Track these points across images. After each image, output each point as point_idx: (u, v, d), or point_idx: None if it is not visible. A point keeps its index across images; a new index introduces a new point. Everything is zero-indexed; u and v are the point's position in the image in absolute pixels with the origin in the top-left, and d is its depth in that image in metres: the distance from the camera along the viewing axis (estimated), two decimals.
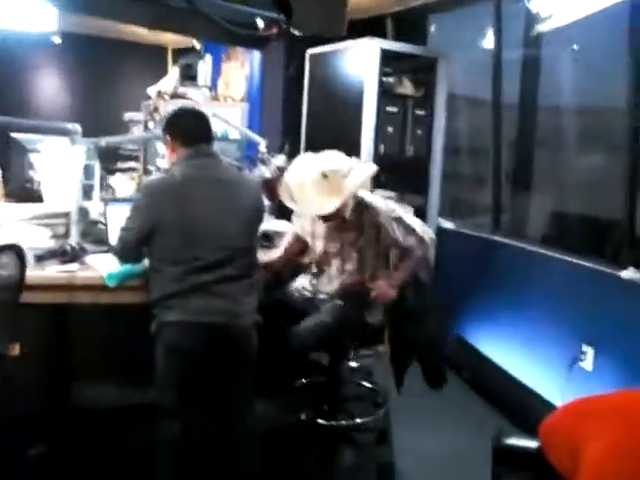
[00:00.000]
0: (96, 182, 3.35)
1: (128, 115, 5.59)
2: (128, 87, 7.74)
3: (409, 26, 5.30)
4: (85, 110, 7.33)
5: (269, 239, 3.28)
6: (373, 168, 2.87)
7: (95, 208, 3.21)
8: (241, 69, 6.27)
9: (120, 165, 5.48)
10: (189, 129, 2.54)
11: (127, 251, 2.52)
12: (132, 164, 5.43)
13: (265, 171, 3.11)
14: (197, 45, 6.27)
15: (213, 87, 6.38)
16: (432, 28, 5.51)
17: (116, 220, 2.86)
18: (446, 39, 5.39)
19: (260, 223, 2.64)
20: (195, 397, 2.43)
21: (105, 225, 2.96)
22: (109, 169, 5.37)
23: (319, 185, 2.69)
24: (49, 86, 7.92)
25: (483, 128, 4.82)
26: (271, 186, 3.13)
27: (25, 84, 7.59)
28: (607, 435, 1.72)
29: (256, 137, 3.64)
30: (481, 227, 4.75)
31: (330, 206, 2.69)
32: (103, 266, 2.62)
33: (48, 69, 7.84)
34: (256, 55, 5.94)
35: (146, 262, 2.51)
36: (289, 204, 2.75)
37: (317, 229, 2.98)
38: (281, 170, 3.48)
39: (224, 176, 2.55)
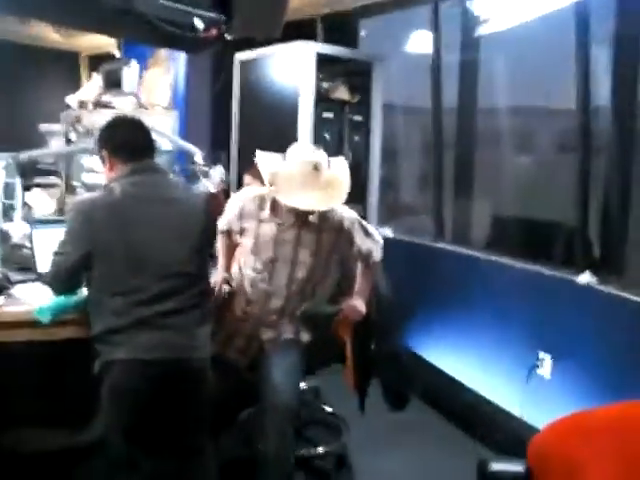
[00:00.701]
0: (17, 201, 3.01)
1: (44, 126, 5.18)
2: (39, 96, 7.24)
3: (340, 29, 5.16)
4: None
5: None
6: (344, 161, 2.65)
7: (17, 230, 2.89)
8: (165, 76, 5.95)
9: (38, 180, 5.08)
10: (129, 142, 2.26)
11: (60, 280, 2.22)
12: (52, 179, 5.03)
13: (209, 185, 2.85)
14: (116, 52, 5.93)
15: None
16: (363, 32, 5.40)
17: (43, 244, 2.57)
18: (377, 43, 5.29)
19: (212, 246, 2.41)
20: (145, 440, 2.18)
21: (31, 250, 2.65)
22: (25, 185, 4.97)
23: (311, 178, 2.42)
24: None
25: (421, 132, 4.73)
26: (217, 201, 2.88)
27: None
28: (609, 455, 1.61)
29: (191, 148, 3.39)
30: (422, 234, 4.64)
31: (331, 202, 2.45)
32: (33, 298, 2.32)
33: None
34: (181, 61, 5.65)
35: (85, 292, 2.23)
36: (280, 197, 2.42)
37: (263, 232, 2.67)
38: (223, 183, 3.25)
39: (171, 194, 2.29)
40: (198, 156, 3.37)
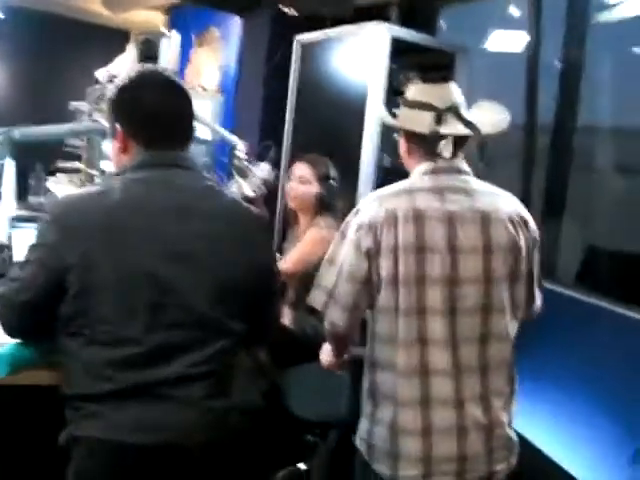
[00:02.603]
0: (5, 189, 2.38)
1: (74, 104, 4.62)
2: (82, 75, 6.72)
3: (417, 16, 4.45)
4: (30, 99, 6.32)
5: None
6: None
7: (2, 227, 2.27)
8: (214, 57, 5.34)
9: (62, 164, 4.52)
10: (156, 115, 1.56)
11: (12, 319, 1.56)
12: (77, 164, 4.47)
13: (244, 187, 2.14)
14: (164, 30, 5.36)
15: (180, 75, 5.47)
16: (443, 20, 4.69)
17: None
18: (459, 36, 4.58)
19: (262, 288, 1.66)
20: None
21: (8, 255, 2.02)
22: (49, 169, 4.42)
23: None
24: None
25: (505, 144, 3.99)
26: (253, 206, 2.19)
27: None
28: None
29: (233, 138, 2.72)
30: None
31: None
32: None
33: None
34: (233, 41, 5.03)
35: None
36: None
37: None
38: (266, 184, 2.57)
39: (198, 204, 1.56)
40: (240, 149, 2.70)
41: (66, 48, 6.72)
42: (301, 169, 2.84)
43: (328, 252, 1.77)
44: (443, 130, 1.70)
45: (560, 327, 3.10)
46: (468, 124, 1.72)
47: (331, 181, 2.79)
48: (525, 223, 1.73)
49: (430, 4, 4.50)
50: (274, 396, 3.01)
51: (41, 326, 1.52)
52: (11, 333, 1.58)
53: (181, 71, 5.54)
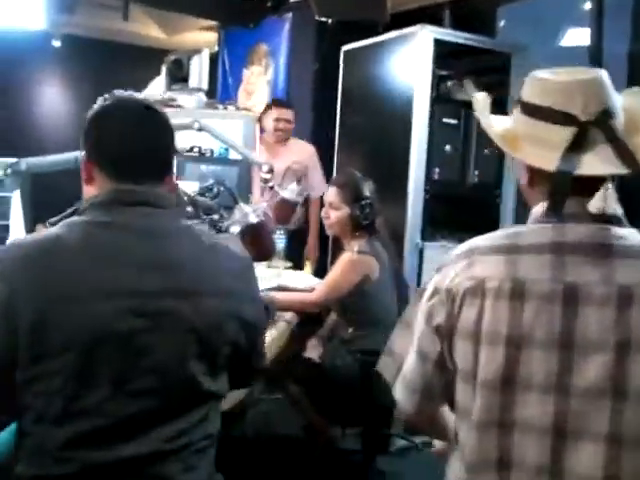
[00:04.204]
0: (14, 222, 2.25)
1: None
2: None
3: (473, 18, 4.17)
4: None
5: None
6: None
7: None
8: (264, 75, 5.19)
9: None
10: (120, 147, 1.34)
11: None
12: None
13: (250, 213, 1.91)
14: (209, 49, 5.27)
15: (234, 97, 5.36)
16: (501, 23, 4.39)
17: None
18: (519, 35, 4.27)
19: (245, 341, 1.38)
20: None
21: None
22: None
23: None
24: (48, 95, 6.98)
25: None
26: (256, 234, 1.94)
27: (21, 92, 6.65)
28: None
29: (256, 158, 2.52)
30: None
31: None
32: None
33: (47, 76, 6.90)
34: (282, 56, 4.87)
35: None
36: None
37: None
38: (285, 203, 2.36)
39: (172, 251, 1.31)
40: (264, 169, 2.50)
41: (124, 72, 6.76)
42: (330, 195, 2.66)
43: (405, 311, 1.32)
44: (585, 167, 1.11)
45: None
46: (625, 151, 1.11)
47: (364, 201, 2.56)
48: None
49: (484, 4, 4.21)
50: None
51: None
52: None
53: (233, 90, 5.45)
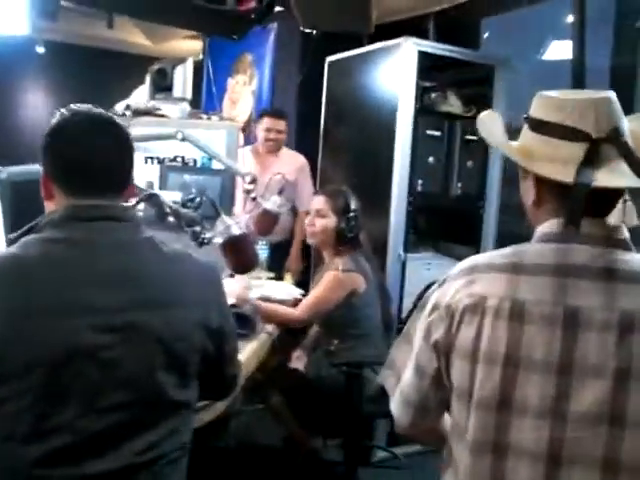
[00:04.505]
0: None
1: None
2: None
3: (457, 30, 4.19)
4: None
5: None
6: None
7: None
8: (248, 85, 5.20)
9: None
10: (76, 160, 1.33)
11: None
12: None
13: (232, 225, 1.92)
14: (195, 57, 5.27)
15: (218, 106, 5.35)
16: (485, 35, 4.43)
17: None
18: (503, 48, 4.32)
19: (214, 350, 1.39)
20: None
21: None
22: None
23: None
24: (32, 102, 6.94)
25: None
26: (239, 246, 1.94)
27: (4, 98, 6.60)
28: None
29: (239, 168, 2.52)
30: None
31: None
32: None
33: (31, 82, 6.86)
34: (267, 66, 4.88)
35: None
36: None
37: None
38: (267, 214, 2.36)
39: (134, 264, 1.31)
40: (246, 179, 2.50)
41: (109, 79, 6.73)
42: (318, 202, 2.66)
43: (406, 325, 1.31)
44: (602, 181, 1.09)
45: None
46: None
47: (351, 214, 2.57)
48: None
49: (468, 17, 4.23)
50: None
51: None
52: None
53: (217, 99, 5.44)
